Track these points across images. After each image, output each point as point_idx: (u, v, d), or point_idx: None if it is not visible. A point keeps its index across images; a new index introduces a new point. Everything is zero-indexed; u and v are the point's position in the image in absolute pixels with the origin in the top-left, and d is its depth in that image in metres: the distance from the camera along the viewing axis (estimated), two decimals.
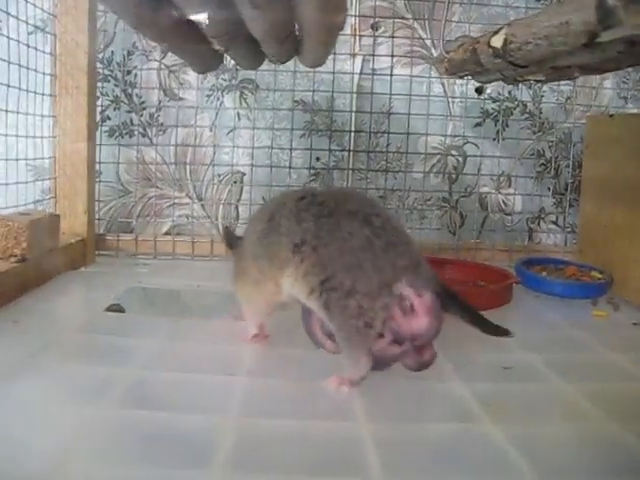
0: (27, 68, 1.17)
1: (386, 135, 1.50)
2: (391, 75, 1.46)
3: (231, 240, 0.92)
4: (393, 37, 1.47)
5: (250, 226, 0.87)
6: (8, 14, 1.12)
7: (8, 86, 1.10)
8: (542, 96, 1.56)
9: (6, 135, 1.14)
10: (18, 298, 0.99)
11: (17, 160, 1.18)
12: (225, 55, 1.17)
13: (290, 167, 1.46)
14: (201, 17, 0.81)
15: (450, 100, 1.53)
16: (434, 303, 0.71)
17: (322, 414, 0.68)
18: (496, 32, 0.99)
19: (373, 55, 1.47)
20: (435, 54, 1.50)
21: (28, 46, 1.18)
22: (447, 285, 0.78)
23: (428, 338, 0.73)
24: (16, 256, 1.01)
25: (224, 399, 0.69)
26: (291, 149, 1.46)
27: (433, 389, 0.76)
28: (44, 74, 1.24)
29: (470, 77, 1.26)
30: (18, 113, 1.16)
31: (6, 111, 1.10)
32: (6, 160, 1.15)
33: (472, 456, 0.61)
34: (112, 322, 0.95)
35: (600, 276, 1.26)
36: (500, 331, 0.84)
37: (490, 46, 1.00)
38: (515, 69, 1.04)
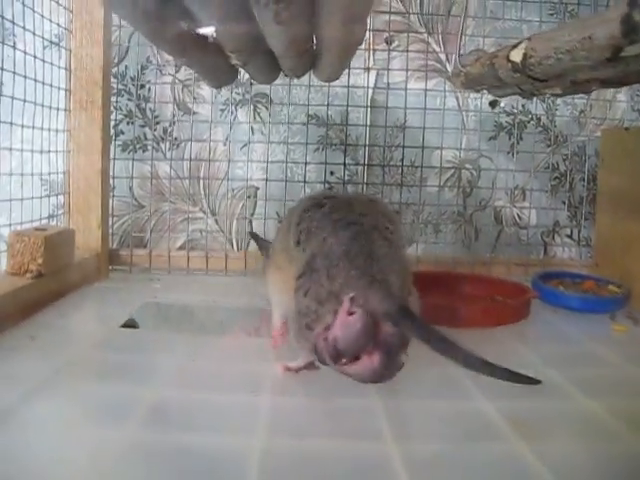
0: (42, 83, 1.17)
1: (400, 149, 1.49)
2: (405, 89, 1.45)
3: (260, 243, 1.03)
4: (407, 51, 1.47)
5: (281, 224, 0.91)
6: (24, 29, 1.11)
7: (24, 101, 1.09)
8: (556, 109, 1.55)
9: (21, 150, 1.13)
10: (34, 314, 0.98)
11: (32, 175, 1.18)
12: (239, 69, 1.17)
13: (305, 181, 1.45)
14: (221, 32, 0.81)
15: (464, 113, 1.52)
16: (358, 321, 0.67)
17: (349, 433, 0.67)
18: (515, 46, 0.98)
19: (387, 69, 1.46)
20: (449, 68, 1.50)
21: (43, 61, 1.18)
22: (423, 310, 0.77)
23: (344, 353, 0.69)
24: (32, 272, 1.00)
25: (249, 419, 0.67)
26: (305, 163, 1.46)
27: (458, 407, 0.74)
28: (59, 89, 1.24)
29: (486, 91, 1.25)
30: (33, 128, 1.15)
31: (22, 126, 1.10)
32: (21, 175, 1.14)
33: (502, 476, 0.60)
34: (128, 339, 0.94)
35: (618, 290, 1.25)
36: (476, 364, 0.72)
37: (509, 60, 0.99)
38: (533, 83, 1.04)
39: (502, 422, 0.70)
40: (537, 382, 0.77)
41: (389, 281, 0.70)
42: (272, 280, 0.86)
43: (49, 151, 1.23)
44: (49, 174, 1.25)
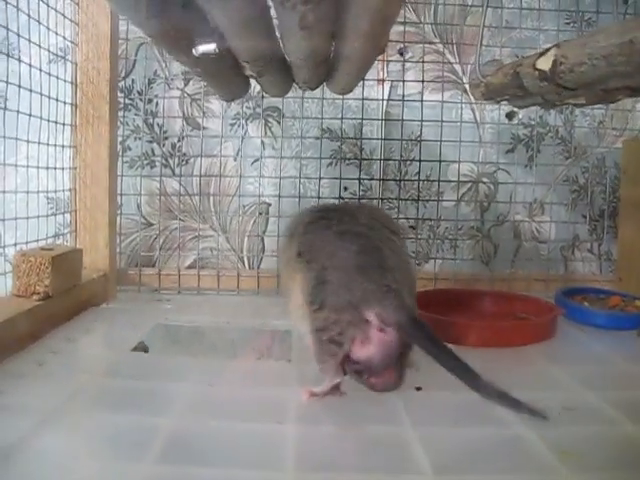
0: (48, 97, 1.13)
1: (415, 163, 1.45)
2: (422, 101, 1.41)
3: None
4: (423, 62, 1.43)
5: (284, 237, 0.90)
6: (29, 41, 1.07)
7: (29, 115, 1.05)
8: (574, 121, 1.51)
9: (27, 166, 1.09)
10: (42, 337, 0.94)
11: (38, 192, 1.13)
12: (251, 82, 1.13)
13: (319, 197, 1.41)
14: (238, 39, 0.77)
15: (480, 126, 1.48)
16: (393, 341, 0.70)
17: (383, 466, 0.62)
18: (542, 54, 0.94)
19: (403, 81, 1.43)
20: (465, 79, 1.46)
21: (49, 74, 1.14)
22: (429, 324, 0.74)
23: (371, 368, 0.71)
24: (39, 294, 0.96)
25: (275, 451, 0.62)
26: (319, 178, 1.42)
27: (499, 435, 0.69)
28: (65, 103, 1.20)
29: (506, 102, 1.22)
30: (39, 143, 1.11)
31: (27, 141, 1.06)
32: (26, 192, 1.10)
33: None
34: (140, 364, 0.89)
35: None
36: (494, 393, 0.69)
37: (536, 68, 0.95)
38: (560, 93, 1.00)
39: (547, 451, 0.65)
40: (544, 417, 0.69)
41: (401, 291, 0.71)
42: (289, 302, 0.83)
43: (55, 168, 1.19)
44: (55, 192, 1.20)
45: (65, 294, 1.03)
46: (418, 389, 0.81)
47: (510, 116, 1.48)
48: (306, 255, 0.75)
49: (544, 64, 0.92)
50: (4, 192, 1.02)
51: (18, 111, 1.02)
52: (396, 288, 0.71)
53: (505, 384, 0.77)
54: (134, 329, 1.04)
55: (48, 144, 1.15)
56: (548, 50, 0.93)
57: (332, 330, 0.70)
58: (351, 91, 1.19)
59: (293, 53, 0.82)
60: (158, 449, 0.62)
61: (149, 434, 0.65)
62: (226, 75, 0.96)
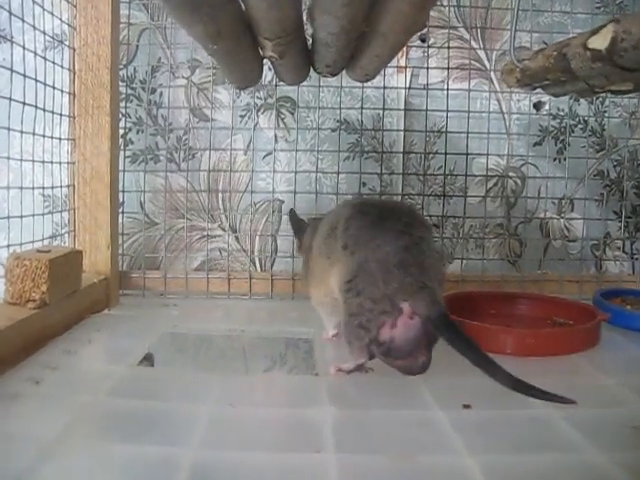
0: (44, 84, 1.03)
1: (437, 157, 1.36)
2: (447, 89, 1.32)
3: (298, 225, 1.08)
4: (449, 47, 1.33)
5: (319, 227, 0.93)
6: (23, 21, 0.97)
7: (23, 103, 0.95)
8: (604, 111, 1.42)
9: (21, 159, 0.99)
10: (38, 351, 0.84)
11: (33, 188, 1.03)
12: (263, 69, 1.04)
13: (337, 193, 1.31)
14: (265, 11, 0.67)
15: (506, 117, 1.39)
16: (418, 326, 0.75)
17: None
18: (594, 32, 0.85)
19: (427, 68, 1.33)
20: (490, 66, 1.37)
21: (45, 59, 1.04)
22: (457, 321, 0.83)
23: (396, 349, 0.76)
24: (35, 301, 0.86)
25: None
26: (338, 172, 1.32)
27: (564, 462, 0.59)
28: (62, 91, 1.10)
29: (542, 89, 1.12)
30: (34, 134, 1.01)
31: (21, 132, 0.95)
32: (20, 188, 1.00)
33: None
34: (149, 381, 0.80)
35: None
36: (517, 384, 0.72)
37: (587, 48, 0.85)
38: (610, 76, 0.90)
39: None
40: (572, 402, 0.70)
41: (435, 289, 0.76)
42: (315, 294, 0.92)
43: (51, 162, 1.09)
44: (52, 187, 1.10)
45: (64, 301, 0.93)
46: (466, 407, 0.72)
47: (538, 107, 1.39)
48: (351, 247, 0.80)
49: (599, 42, 0.83)
50: None
51: (10, 98, 0.92)
52: (431, 286, 0.76)
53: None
54: (140, 339, 0.94)
55: (44, 136, 1.05)
56: (602, 27, 0.83)
57: (363, 316, 0.75)
58: (374, 77, 1.09)
59: (325, 27, 0.72)
60: None
61: (165, 468, 0.55)
62: (243, 55, 0.86)
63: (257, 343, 1.00)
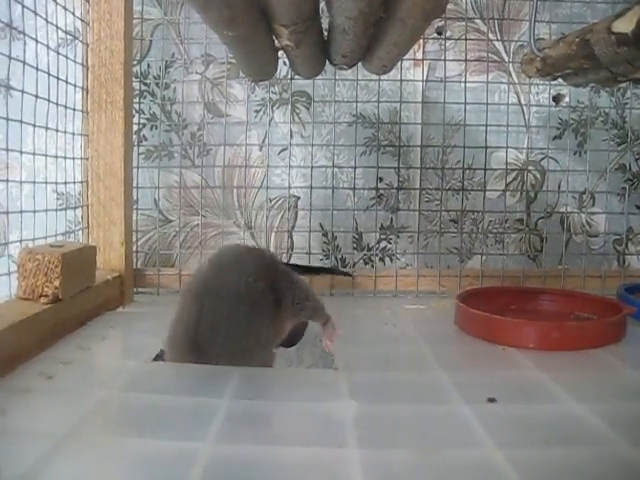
0: (57, 78, 1.02)
1: (455, 151, 1.33)
2: (465, 82, 1.29)
3: None
4: (466, 39, 1.31)
5: None
6: (35, 14, 0.96)
7: (36, 97, 0.94)
8: (625, 103, 1.39)
9: (33, 153, 0.97)
10: (50, 347, 0.82)
11: (46, 183, 1.02)
12: (279, 62, 1.03)
13: (354, 188, 1.29)
14: None
15: (525, 109, 1.36)
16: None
17: None
18: (619, 15, 0.82)
19: (445, 60, 1.30)
20: (507, 58, 1.34)
21: (58, 53, 1.03)
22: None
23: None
24: (47, 296, 0.84)
25: None
26: (355, 167, 1.30)
27: (595, 455, 0.57)
28: (75, 86, 1.08)
29: (563, 79, 1.10)
30: (47, 129, 0.99)
31: (33, 125, 0.94)
32: (33, 183, 0.98)
33: None
34: (164, 376, 0.78)
35: None
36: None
37: (612, 32, 0.83)
38: (634, 61, 0.88)
39: None
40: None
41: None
42: None
43: (64, 157, 1.07)
44: (65, 183, 1.09)
45: (77, 297, 0.92)
46: (491, 400, 0.69)
47: (557, 99, 1.36)
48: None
49: (624, 26, 0.80)
50: (7, 181, 0.91)
51: (23, 91, 0.91)
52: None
53: (594, 395, 0.69)
54: (155, 336, 0.92)
55: (57, 130, 1.04)
56: (628, 10, 0.81)
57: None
58: (392, 69, 1.07)
59: (343, 11, 0.70)
60: None
61: (183, 463, 0.53)
62: (258, 44, 0.84)
63: None
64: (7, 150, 0.91)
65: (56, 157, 1.05)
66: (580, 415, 0.65)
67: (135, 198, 1.23)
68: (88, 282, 0.97)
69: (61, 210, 1.09)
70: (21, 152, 0.94)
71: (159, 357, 0.84)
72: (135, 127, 1.25)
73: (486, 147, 1.31)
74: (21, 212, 0.94)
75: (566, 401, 0.68)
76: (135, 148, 1.23)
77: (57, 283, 0.85)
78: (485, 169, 1.32)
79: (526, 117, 1.36)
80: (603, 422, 0.63)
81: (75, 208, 1.16)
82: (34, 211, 0.96)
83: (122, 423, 0.64)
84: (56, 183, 1.07)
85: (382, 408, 0.68)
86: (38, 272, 0.84)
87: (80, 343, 0.86)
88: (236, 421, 0.63)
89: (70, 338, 0.88)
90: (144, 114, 1.30)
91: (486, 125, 1.30)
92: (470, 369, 0.77)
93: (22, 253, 0.86)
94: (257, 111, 1.32)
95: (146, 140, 1.31)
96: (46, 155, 1.01)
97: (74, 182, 1.11)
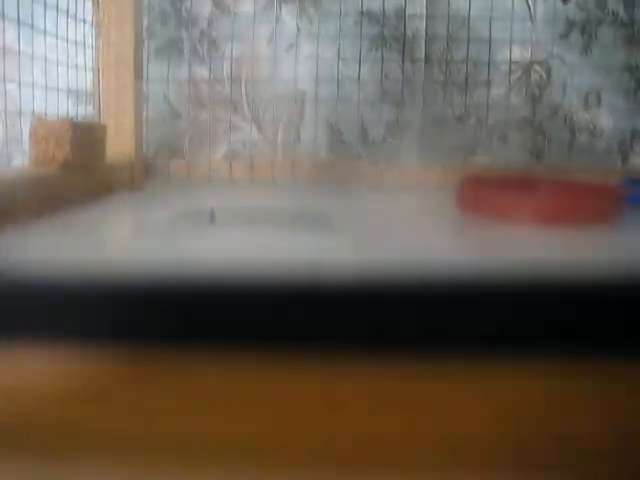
0: None
1: (459, 48, 1.34)
2: None
3: None
4: None
5: None
6: None
7: None
8: (634, 1, 1.38)
9: (44, 35, 1.00)
10: (65, 209, 0.86)
11: (57, 65, 1.05)
12: None
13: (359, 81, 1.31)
14: None
15: (532, 8, 1.36)
16: None
17: None
18: None
19: None
20: None
21: None
22: None
23: None
24: (58, 160, 0.88)
25: None
26: (360, 61, 1.32)
27: None
28: None
29: None
30: (57, 10, 1.02)
31: (44, 6, 0.97)
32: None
33: None
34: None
35: None
36: None
37: None
38: None
39: None
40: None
41: None
42: None
43: (75, 41, 1.10)
44: (76, 67, 1.12)
45: (87, 172, 0.95)
46: None
47: None
48: None
49: None
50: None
51: None
52: None
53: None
54: (164, 213, 0.95)
55: (68, 13, 1.06)
56: None
57: None
58: None
59: None
60: None
61: None
62: None
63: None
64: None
65: (67, 40, 1.08)
66: None
67: (145, 92, 1.25)
68: (98, 158, 1.00)
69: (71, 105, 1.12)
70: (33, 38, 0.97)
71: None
72: (145, 23, 1.26)
73: (490, 41, 1.32)
74: (33, 112, 0.97)
75: None
76: (145, 43, 1.25)
77: (68, 149, 0.88)
78: (489, 63, 1.33)
79: (531, 11, 1.36)
80: None
81: (86, 105, 1.18)
82: (45, 112, 1.00)
83: None
84: (67, 68, 1.09)
85: None
86: (50, 137, 0.87)
87: (90, 216, 0.88)
88: None
89: (80, 211, 0.90)
90: (154, 10, 1.32)
91: (490, 19, 1.30)
92: None
93: (34, 122, 0.89)
94: (265, 8, 1.33)
95: (155, 37, 1.33)
96: (57, 37, 1.04)
97: (85, 69, 1.13)
